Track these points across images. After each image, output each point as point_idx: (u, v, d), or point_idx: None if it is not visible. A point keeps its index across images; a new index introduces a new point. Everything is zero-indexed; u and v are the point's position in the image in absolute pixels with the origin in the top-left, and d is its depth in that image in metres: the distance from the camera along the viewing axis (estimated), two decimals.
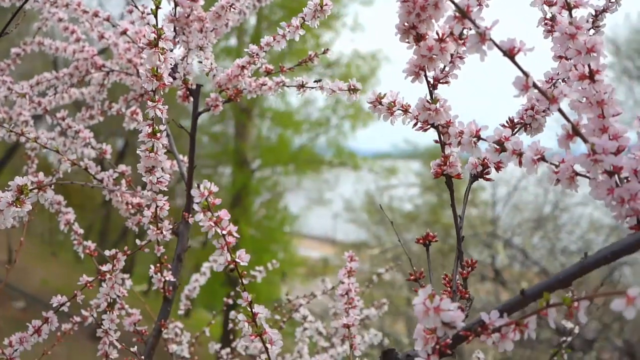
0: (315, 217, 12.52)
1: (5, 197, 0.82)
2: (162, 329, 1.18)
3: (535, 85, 0.61)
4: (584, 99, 0.67)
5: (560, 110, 0.62)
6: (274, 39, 1.09)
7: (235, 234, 0.76)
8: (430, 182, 9.67)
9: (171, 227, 1.08)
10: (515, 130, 0.84)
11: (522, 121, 0.83)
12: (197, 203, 0.75)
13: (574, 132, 0.63)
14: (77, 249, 1.26)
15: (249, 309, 0.79)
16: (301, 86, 1.13)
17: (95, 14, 1.26)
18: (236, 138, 11.36)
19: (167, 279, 1.14)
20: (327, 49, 1.21)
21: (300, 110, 11.67)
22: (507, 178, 7.74)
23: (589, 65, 0.65)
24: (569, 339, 1.26)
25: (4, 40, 1.35)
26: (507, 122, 0.84)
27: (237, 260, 0.77)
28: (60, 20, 1.37)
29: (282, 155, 11.18)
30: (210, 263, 1.76)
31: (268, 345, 0.79)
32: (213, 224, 0.76)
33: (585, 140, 0.62)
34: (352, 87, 1.05)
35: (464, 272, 0.76)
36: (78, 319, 1.28)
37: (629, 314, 0.49)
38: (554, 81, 0.84)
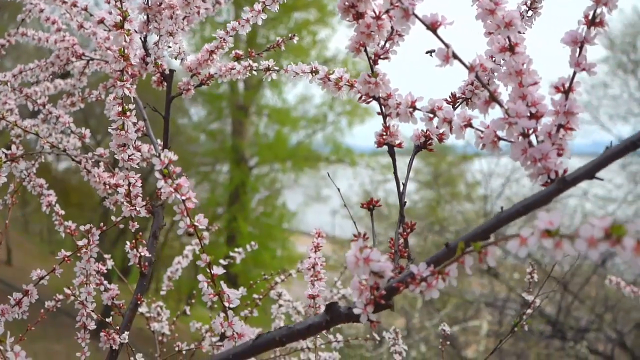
0: (313, 214, 12.56)
1: None
2: (139, 303, 1.24)
3: (455, 56, 0.67)
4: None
5: (478, 79, 0.68)
6: (239, 23, 1.15)
7: (195, 200, 0.82)
8: (427, 178, 9.74)
9: (144, 204, 1.14)
10: (457, 104, 0.89)
11: (463, 95, 0.89)
12: (158, 170, 0.80)
13: (491, 98, 0.68)
14: (59, 229, 1.32)
15: (208, 270, 0.85)
16: (267, 69, 1.19)
17: (74, 4, 1.31)
18: (233, 135, 11.42)
19: (142, 254, 1.20)
20: (294, 35, 1.26)
21: (297, 107, 11.74)
22: (501, 171, 7.81)
23: (508, 38, 0.71)
24: (529, 310, 1.32)
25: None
26: (449, 96, 0.90)
27: (196, 224, 0.83)
28: (41, 11, 1.43)
29: (279, 152, 11.23)
30: (193, 246, 1.82)
31: (226, 304, 0.85)
32: (173, 190, 0.81)
33: (501, 105, 0.68)
34: (313, 69, 1.10)
35: (405, 233, 0.82)
36: (60, 296, 1.33)
37: (521, 253, 0.54)
38: (493, 58, 0.90)
